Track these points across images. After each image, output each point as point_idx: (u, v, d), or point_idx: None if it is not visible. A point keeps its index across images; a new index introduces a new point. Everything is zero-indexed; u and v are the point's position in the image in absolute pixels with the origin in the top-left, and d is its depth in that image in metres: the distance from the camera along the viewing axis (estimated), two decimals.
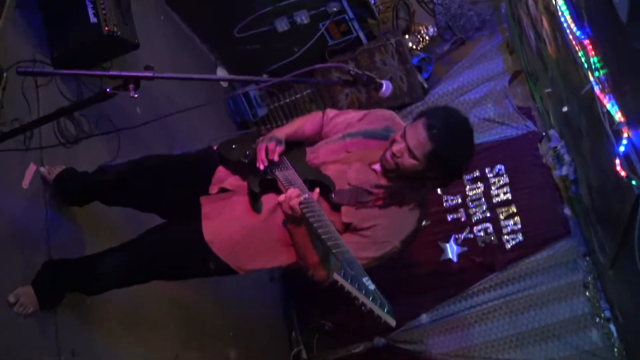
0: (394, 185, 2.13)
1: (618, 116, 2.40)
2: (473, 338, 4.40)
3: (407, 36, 4.87)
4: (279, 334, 4.70)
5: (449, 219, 4.56)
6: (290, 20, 4.60)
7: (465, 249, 4.48)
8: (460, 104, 4.75)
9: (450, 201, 4.58)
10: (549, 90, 3.98)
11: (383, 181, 2.16)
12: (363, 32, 4.76)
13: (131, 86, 1.68)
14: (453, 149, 2.02)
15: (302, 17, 4.56)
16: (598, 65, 2.54)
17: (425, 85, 4.83)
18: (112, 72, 1.64)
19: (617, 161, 2.42)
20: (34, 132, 2.56)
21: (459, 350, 4.40)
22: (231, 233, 2.15)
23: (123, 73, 1.65)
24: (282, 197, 1.88)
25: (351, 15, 4.60)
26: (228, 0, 4.39)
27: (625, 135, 2.35)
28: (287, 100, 4.97)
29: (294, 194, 1.86)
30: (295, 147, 2.32)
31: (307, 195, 1.89)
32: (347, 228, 2.10)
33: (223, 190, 2.24)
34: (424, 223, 4.37)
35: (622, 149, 2.38)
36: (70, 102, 2.85)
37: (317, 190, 1.95)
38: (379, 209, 2.08)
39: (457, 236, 4.52)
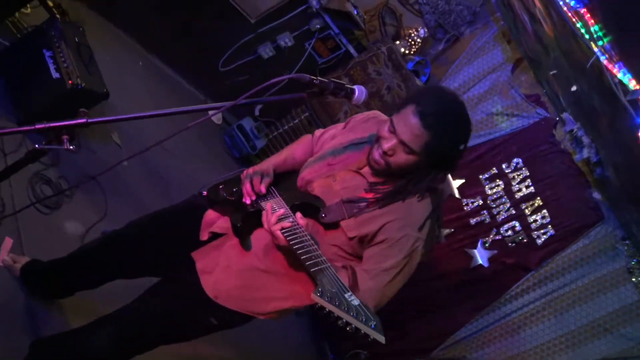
0: (387, 184, 1.92)
1: (632, 84, 2.19)
2: (520, 345, 4.14)
3: (397, 42, 4.68)
4: None
5: (473, 223, 4.31)
6: (275, 45, 4.47)
7: (495, 251, 4.23)
8: (465, 101, 4.51)
9: (470, 204, 4.34)
10: (554, 72, 3.76)
11: (374, 180, 1.94)
12: (351, 45, 4.59)
13: (65, 137, 1.49)
14: (453, 133, 1.81)
15: (286, 40, 4.42)
16: (600, 33, 2.33)
17: None
18: (39, 126, 1.45)
19: None
20: (5, 202, 2.37)
21: None
22: (235, 281, 1.96)
23: (52, 124, 1.47)
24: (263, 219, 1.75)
25: (336, 30, 4.44)
26: (206, 36, 4.28)
27: None
28: (286, 127, 4.81)
29: (273, 220, 1.72)
30: (287, 176, 2.15)
31: (291, 219, 1.74)
32: (361, 244, 1.89)
33: (214, 235, 2.05)
34: (446, 231, 4.30)
35: None
36: (46, 166, 2.69)
37: (298, 214, 1.77)
38: (380, 210, 1.87)
39: (484, 240, 4.27)
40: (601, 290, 3.97)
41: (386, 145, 1.83)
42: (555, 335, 4.06)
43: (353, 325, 1.31)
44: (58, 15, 3.29)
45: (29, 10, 3.29)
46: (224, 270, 1.97)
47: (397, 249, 1.84)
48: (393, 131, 1.82)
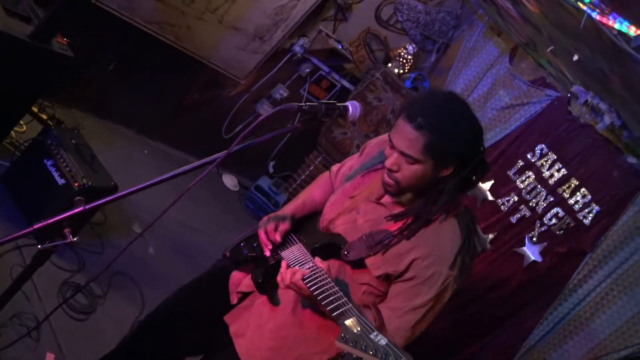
0: (409, 208, 1.79)
1: (632, 31, 2.08)
2: (598, 333, 3.90)
3: (389, 65, 4.66)
4: None
5: (514, 221, 4.16)
6: (270, 100, 4.48)
7: (545, 244, 4.06)
8: (471, 104, 4.44)
9: (506, 203, 4.20)
10: (551, 48, 3.66)
11: (397, 209, 1.82)
12: (345, 79, 4.60)
13: (67, 231, 1.44)
14: (449, 125, 1.65)
15: (281, 92, 4.43)
16: None
17: None
18: (36, 225, 1.41)
19: None
20: (38, 317, 2.32)
21: (589, 353, 3.89)
22: (267, 342, 1.84)
23: (49, 221, 1.42)
24: (279, 279, 1.67)
25: (326, 69, 4.44)
26: (202, 108, 4.29)
27: None
28: (303, 176, 4.77)
29: (289, 274, 1.64)
30: (308, 219, 2.06)
31: (310, 264, 1.65)
32: (388, 280, 1.77)
33: (244, 295, 1.96)
34: (490, 237, 4.15)
35: None
36: (70, 272, 2.65)
37: (317, 258, 1.69)
38: (407, 241, 1.73)
39: (530, 235, 4.10)
40: None
41: (389, 162, 1.72)
42: (632, 313, 3.82)
43: None
44: (53, 126, 3.32)
45: (24, 128, 3.33)
46: (256, 330, 1.87)
47: (426, 286, 1.72)
48: (392, 146, 1.71)
